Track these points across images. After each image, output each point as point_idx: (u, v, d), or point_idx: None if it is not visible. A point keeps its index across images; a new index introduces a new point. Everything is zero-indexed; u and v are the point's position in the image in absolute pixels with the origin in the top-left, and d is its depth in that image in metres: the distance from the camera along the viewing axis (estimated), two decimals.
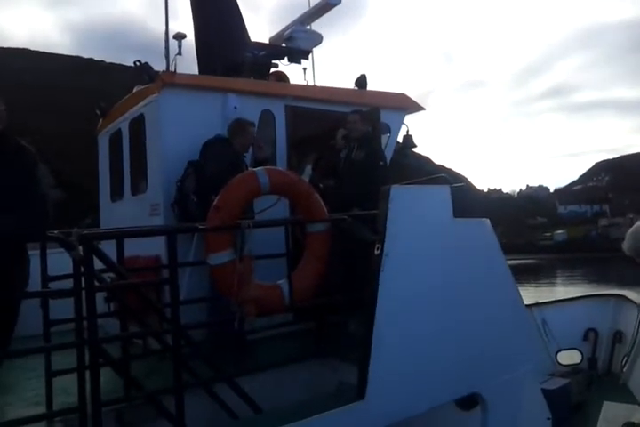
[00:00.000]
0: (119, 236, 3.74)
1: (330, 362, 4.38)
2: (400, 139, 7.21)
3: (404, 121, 7.18)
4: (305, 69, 7.45)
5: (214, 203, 3.79)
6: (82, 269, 3.18)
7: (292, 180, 4.09)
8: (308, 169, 7.66)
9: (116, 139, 6.65)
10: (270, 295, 3.87)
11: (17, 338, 3.20)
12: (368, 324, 3.77)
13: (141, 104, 5.93)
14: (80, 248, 3.17)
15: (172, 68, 5.72)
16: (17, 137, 2.98)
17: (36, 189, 2.96)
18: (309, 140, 7.21)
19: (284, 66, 7.27)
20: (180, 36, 5.72)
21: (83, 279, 3.16)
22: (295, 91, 6.45)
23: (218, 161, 4.89)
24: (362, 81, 7.19)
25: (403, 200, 4.10)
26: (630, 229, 2.73)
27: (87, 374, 3.07)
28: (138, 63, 5.64)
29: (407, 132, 7.20)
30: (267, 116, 6.12)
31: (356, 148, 5.90)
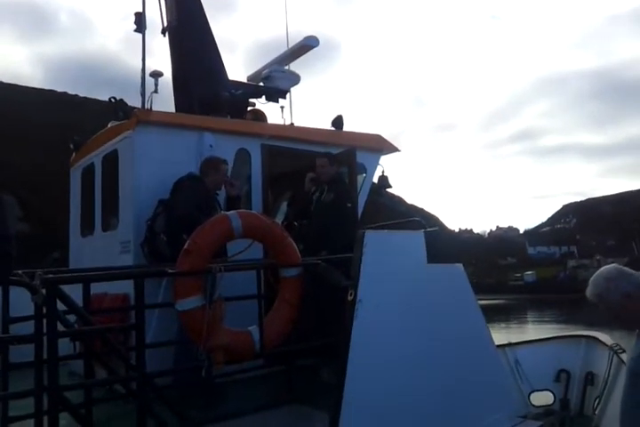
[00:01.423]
0: (84, 280, 3.61)
1: (302, 409, 4.26)
2: (376, 179, 7.26)
3: (380, 162, 7.25)
4: (282, 108, 7.53)
5: (185, 247, 3.71)
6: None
7: (265, 223, 4.04)
8: (284, 206, 7.65)
9: (88, 173, 6.55)
10: (240, 342, 3.76)
11: None
12: (340, 372, 3.69)
13: (115, 140, 5.87)
14: (43, 291, 3.06)
15: (147, 106, 5.70)
16: None
17: None
18: (285, 177, 7.21)
19: (261, 104, 7.34)
20: (156, 74, 5.74)
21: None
22: (272, 130, 6.47)
23: (188, 200, 4.82)
24: (338, 121, 7.27)
25: (377, 245, 4.08)
26: (592, 277, 2.74)
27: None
28: (113, 100, 5.61)
29: (383, 172, 7.26)
30: (243, 155, 6.11)
31: (325, 190, 5.95)
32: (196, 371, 3.52)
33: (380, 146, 7.26)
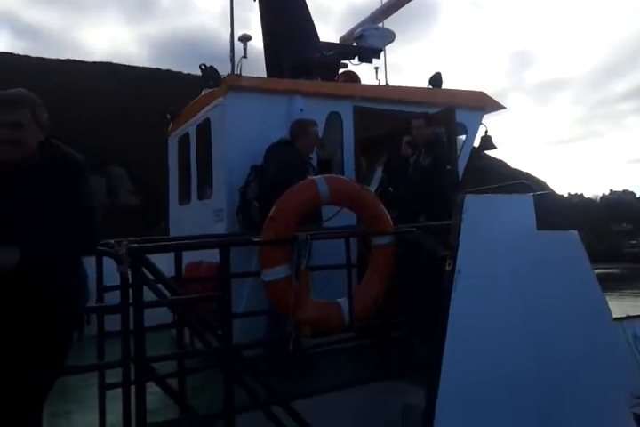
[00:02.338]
0: (170, 249, 3.50)
1: (396, 385, 4.00)
2: (478, 140, 6.68)
3: (483, 121, 6.64)
4: (377, 69, 7.06)
5: (270, 213, 3.49)
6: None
7: (354, 189, 3.70)
8: (379, 172, 7.27)
9: (184, 142, 6.55)
10: (329, 314, 3.51)
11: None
12: (438, 348, 3.36)
13: (207, 108, 5.76)
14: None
15: (237, 71, 5.50)
16: (65, 147, 2.79)
17: (82, 202, 2.74)
18: (380, 142, 6.82)
19: (354, 66, 6.94)
20: (245, 38, 5.49)
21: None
22: (364, 91, 6.07)
23: (280, 164, 4.61)
24: (436, 79, 6.72)
25: (478, 211, 3.65)
26: None
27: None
28: (203, 66, 5.46)
29: (485, 132, 6.63)
30: (334, 119, 5.79)
31: (423, 153, 5.51)
32: (284, 343, 3.34)
33: (483, 103, 6.62)
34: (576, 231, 4.22)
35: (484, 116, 6.72)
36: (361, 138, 6.02)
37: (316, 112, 5.56)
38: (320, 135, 5.46)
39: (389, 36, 7.04)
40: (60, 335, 2.72)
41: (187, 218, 6.45)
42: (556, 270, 3.96)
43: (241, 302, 4.67)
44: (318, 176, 3.79)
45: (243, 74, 5.50)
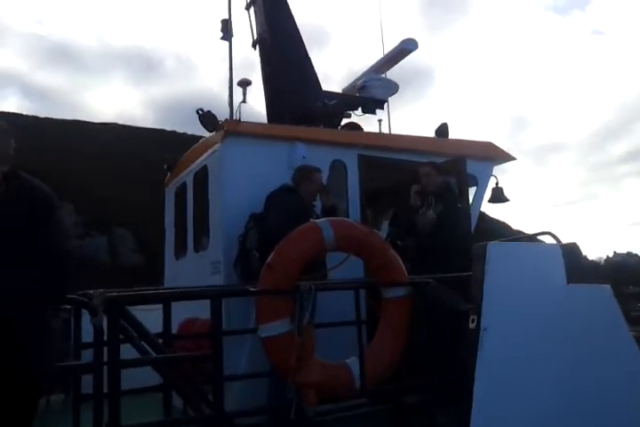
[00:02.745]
0: (152, 299, 3.07)
1: None
2: (489, 192, 6.37)
3: (493, 172, 6.36)
4: (380, 121, 6.89)
5: (267, 261, 3.09)
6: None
7: (362, 233, 3.31)
8: (385, 225, 6.90)
9: (181, 192, 6.23)
10: (337, 377, 3.02)
11: None
12: (463, 417, 2.87)
13: (205, 155, 5.49)
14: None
15: (236, 117, 5.27)
16: (33, 178, 2.45)
17: (52, 239, 2.36)
18: (385, 193, 6.50)
19: (357, 117, 6.75)
20: (244, 83, 5.30)
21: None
22: (369, 139, 5.82)
23: (281, 211, 4.26)
24: (443, 130, 6.50)
25: (503, 261, 3.26)
26: None
27: None
28: (200, 111, 5.23)
29: (496, 184, 6.34)
30: (338, 167, 5.49)
31: (433, 202, 5.14)
32: (286, 410, 2.84)
33: (492, 154, 6.36)
34: (609, 285, 3.81)
35: (494, 167, 6.47)
36: (366, 189, 5.71)
37: (319, 160, 5.27)
38: (325, 182, 5.17)
39: (393, 87, 6.89)
40: (18, 402, 2.26)
41: (182, 272, 6.02)
42: (591, 328, 3.52)
43: (241, 362, 4.19)
44: (322, 219, 3.41)
45: (242, 120, 5.27)
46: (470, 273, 3.36)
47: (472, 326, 3.14)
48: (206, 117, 5.26)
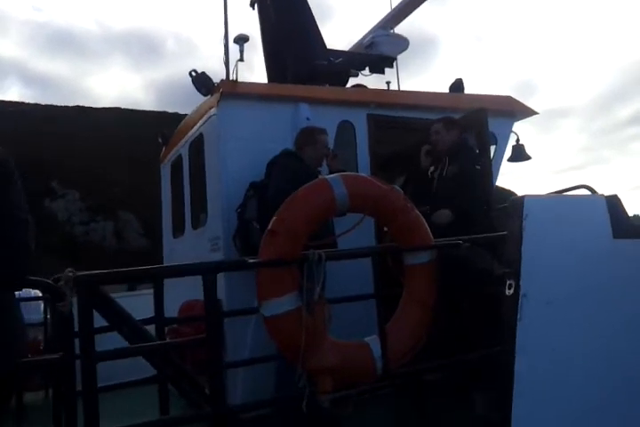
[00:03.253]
0: (132, 277, 2.63)
1: None
2: (509, 151, 5.86)
3: (513, 129, 5.84)
4: (389, 83, 6.35)
5: (269, 226, 2.64)
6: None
7: (381, 190, 2.81)
8: None
9: (177, 167, 5.78)
10: (355, 359, 2.58)
11: None
12: (504, 401, 2.46)
13: (200, 122, 5.02)
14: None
15: (232, 77, 4.77)
16: None
17: (5, 208, 1.95)
18: (398, 157, 5.99)
19: (364, 77, 6.22)
20: (241, 39, 4.76)
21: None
22: (379, 97, 5.28)
23: (282, 177, 3.80)
24: (458, 86, 5.96)
25: (543, 216, 2.80)
26: None
27: None
28: (194, 73, 4.74)
29: (517, 141, 5.81)
30: (346, 129, 4.99)
31: (447, 162, 4.60)
32: (296, 401, 2.43)
33: (512, 109, 5.80)
34: None
35: (515, 123, 5.94)
36: (377, 153, 5.23)
37: (326, 121, 4.77)
38: (331, 146, 4.69)
39: (403, 44, 6.31)
40: None
41: (181, 251, 5.61)
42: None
43: (245, 347, 3.79)
44: (334, 175, 2.91)
45: (240, 80, 4.77)
46: (503, 233, 2.92)
47: (509, 292, 2.71)
48: (200, 79, 4.76)
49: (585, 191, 3.76)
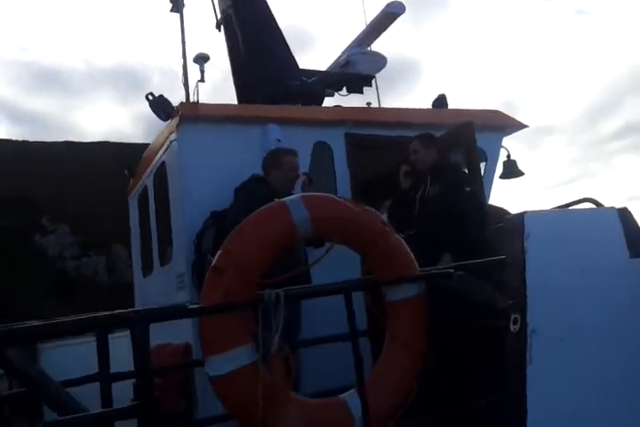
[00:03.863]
0: (28, 335, 2.08)
1: None
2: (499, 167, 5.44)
3: (503, 144, 5.44)
4: (369, 104, 5.99)
5: (214, 261, 2.15)
6: None
7: (351, 212, 2.33)
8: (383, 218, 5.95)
9: (143, 199, 5.33)
10: (329, 422, 2.08)
11: None
12: None
13: (162, 150, 4.60)
14: None
15: (193, 99, 4.37)
16: None
17: None
18: (381, 179, 5.56)
19: (342, 98, 5.85)
20: (201, 58, 4.39)
21: None
22: (357, 114, 4.88)
23: (242, 205, 3.37)
24: (441, 102, 5.59)
25: (547, 235, 2.34)
26: None
27: None
28: (151, 97, 4.32)
29: (508, 157, 5.40)
30: (322, 150, 4.57)
31: (429, 182, 4.18)
32: None
33: (501, 123, 5.42)
34: None
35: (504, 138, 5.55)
36: (357, 176, 4.80)
37: (299, 142, 4.35)
38: (305, 169, 4.27)
39: (380, 61, 5.96)
40: None
41: (151, 291, 5.10)
42: None
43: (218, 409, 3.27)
44: (292, 196, 2.43)
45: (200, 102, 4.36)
46: (501, 257, 2.45)
47: (514, 328, 2.24)
48: (157, 103, 4.34)
49: (590, 205, 3.33)
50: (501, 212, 5.19)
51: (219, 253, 2.14)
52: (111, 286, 28.18)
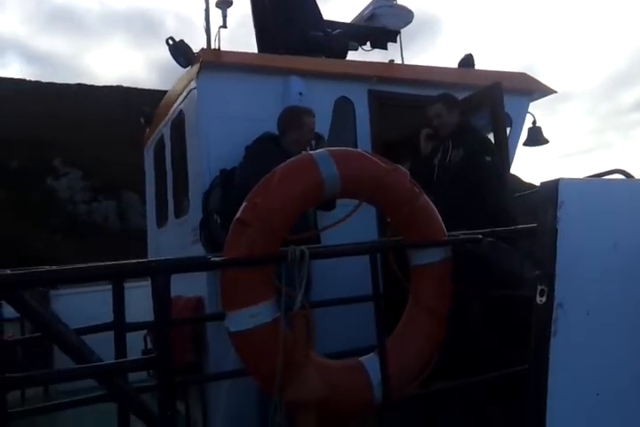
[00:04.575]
0: (47, 280, 2.03)
1: None
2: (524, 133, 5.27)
3: (529, 109, 5.24)
4: (392, 62, 5.75)
5: (237, 215, 2.06)
6: None
7: (382, 170, 2.21)
8: None
9: (159, 149, 5.20)
10: (347, 385, 2.03)
11: None
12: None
13: (180, 98, 4.44)
14: None
15: (214, 45, 4.17)
16: None
17: None
18: (403, 140, 5.40)
19: (365, 53, 5.63)
20: (224, 3, 4.18)
21: None
22: (382, 70, 4.67)
23: (251, 165, 3.26)
24: (468, 61, 5.36)
25: (583, 204, 2.22)
26: None
27: None
28: (171, 41, 4.14)
29: (534, 123, 5.22)
30: (344, 106, 4.40)
31: (450, 147, 3.99)
32: None
33: (529, 87, 5.20)
34: None
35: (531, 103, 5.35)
36: (379, 135, 4.65)
37: (321, 97, 4.21)
38: (327, 128, 4.13)
39: (407, 16, 5.70)
40: None
41: (164, 242, 5.06)
42: None
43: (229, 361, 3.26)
44: (320, 150, 2.31)
45: (223, 49, 4.17)
46: (532, 225, 2.36)
47: (541, 300, 2.16)
48: (178, 48, 4.15)
49: (620, 177, 3.20)
50: (515, 180, 5.06)
51: (244, 205, 2.04)
52: (122, 231, 28.48)
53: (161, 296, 1.78)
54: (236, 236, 1.99)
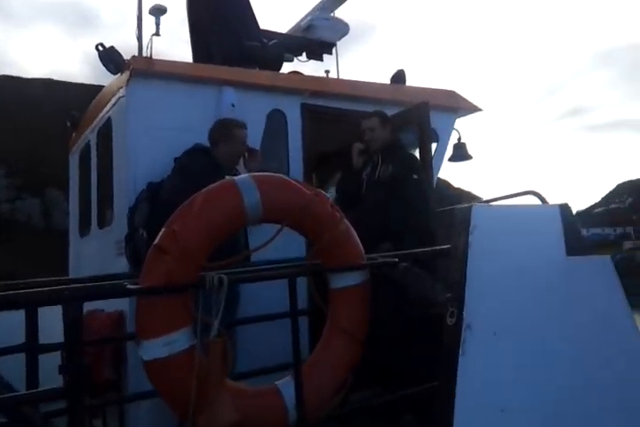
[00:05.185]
0: None
1: None
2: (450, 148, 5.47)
3: (455, 126, 5.45)
4: (328, 72, 5.84)
5: (156, 240, 2.04)
6: None
7: (304, 197, 2.26)
8: (332, 194, 5.88)
9: (84, 156, 5.05)
10: (262, 409, 2.06)
11: None
12: None
13: (109, 105, 4.34)
14: None
15: (146, 53, 4.10)
16: None
17: None
18: (334, 153, 5.49)
19: (300, 64, 5.69)
20: (157, 10, 4.11)
21: None
22: (315, 84, 4.74)
23: (181, 178, 3.24)
24: (399, 77, 5.51)
25: (492, 229, 2.35)
26: None
27: None
28: (101, 47, 4.02)
29: (459, 139, 5.42)
30: (276, 119, 4.44)
31: (379, 162, 4.06)
32: None
33: (455, 104, 5.41)
34: (609, 256, 2.98)
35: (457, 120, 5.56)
36: (312, 148, 4.70)
37: (254, 109, 4.22)
38: (259, 140, 4.14)
39: (343, 28, 5.82)
40: None
41: (86, 253, 4.91)
42: (595, 313, 2.69)
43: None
44: (243, 175, 2.32)
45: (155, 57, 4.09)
46: (446, 246, 2.47)
47: (451, 321, 2.27)
48: (107, 54, 4.05)
49: (533, 198, 3.39)
50: (445, 184, 5.25)
51: (162, 231, 2.03)
52: (46, 230, 27.23)
53: (72, 325, 1.74)
54: (154, 263, 1.97)
